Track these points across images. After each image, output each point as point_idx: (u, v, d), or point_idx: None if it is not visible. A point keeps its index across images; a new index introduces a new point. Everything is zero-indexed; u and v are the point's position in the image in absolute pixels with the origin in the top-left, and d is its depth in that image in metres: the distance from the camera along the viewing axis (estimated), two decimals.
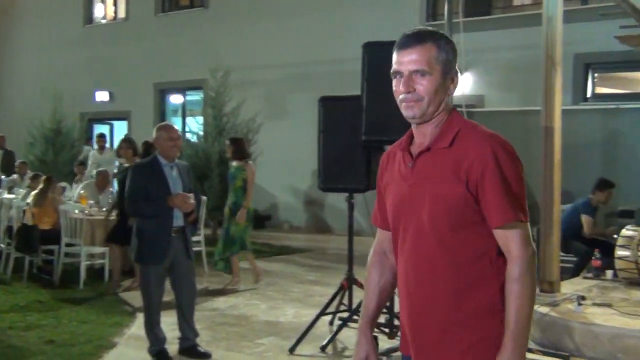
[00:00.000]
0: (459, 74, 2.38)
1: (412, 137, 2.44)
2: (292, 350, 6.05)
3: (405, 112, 2.34)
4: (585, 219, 8.70)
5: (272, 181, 14.67)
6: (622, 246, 7.48)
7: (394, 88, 2.34)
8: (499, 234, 2.26)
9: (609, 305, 6.48)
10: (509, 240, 2.25)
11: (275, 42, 14.67)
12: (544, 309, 6.27)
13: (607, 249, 7.97)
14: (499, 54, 11.99)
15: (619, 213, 9.12)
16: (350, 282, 6.51)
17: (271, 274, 9.63)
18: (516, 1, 12.43)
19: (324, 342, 6.12)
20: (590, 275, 7.89)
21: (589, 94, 11.38)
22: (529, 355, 5.72)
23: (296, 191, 13.31)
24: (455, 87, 2.37)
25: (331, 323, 6.79)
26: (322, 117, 6.47)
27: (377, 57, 6.06)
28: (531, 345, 5.95)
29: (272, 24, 14.83)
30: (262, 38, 14.90)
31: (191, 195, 5.79)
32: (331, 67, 13.75)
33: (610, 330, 5.82)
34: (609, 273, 7.80)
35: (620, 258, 7.46)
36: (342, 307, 6.72)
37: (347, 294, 6.61)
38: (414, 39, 2.32)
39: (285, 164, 14.06)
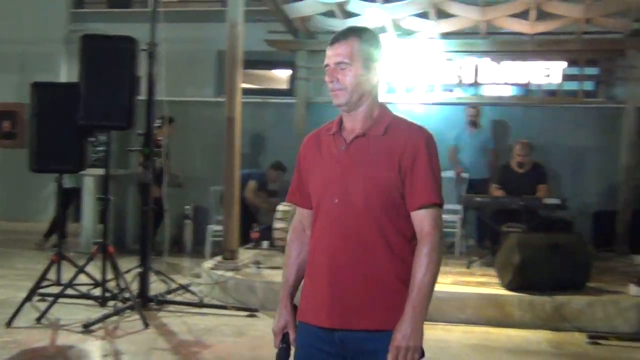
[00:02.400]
0: (381, 65, 2.60)
1: (340, 123, 2.65)
2: (9, 323, 6.44)
3: (334, 101, 2.58)
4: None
5: None
6: (279, 219, 9.14)
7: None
8: (417, 214, 2.51)
9: (279, 268, 8.00)
10: (424, 219, 2.50)
11: None
12: (229, 274, 7.58)
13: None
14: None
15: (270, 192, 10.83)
16: (60, 257, 7.12)
17: None
18: None
19: (39, 315, 6.59)
20: (250, 245, 9.43)
21: None
22: (219, 311, 7.03)
23: None
24: (379, 76, 2.61)
25: (29, 299, 7.20)
26: (35, 101, 6.94)
27: (94, 47, 6.82)
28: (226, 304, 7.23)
29: None
30: None
31: None
32: None
33: None
34: (265, 243, 9.44)
35: (278, 229, 9.10)
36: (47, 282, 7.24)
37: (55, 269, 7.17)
38: (339, 36, 2.57)
39: None
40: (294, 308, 2.72)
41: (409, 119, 2.66)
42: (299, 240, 2.77)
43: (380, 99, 2.67)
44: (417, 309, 2.45)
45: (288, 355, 2.70)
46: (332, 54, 2.57)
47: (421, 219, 2.51)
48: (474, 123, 10.16)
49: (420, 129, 2.59)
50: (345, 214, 2.54)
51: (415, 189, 2.50)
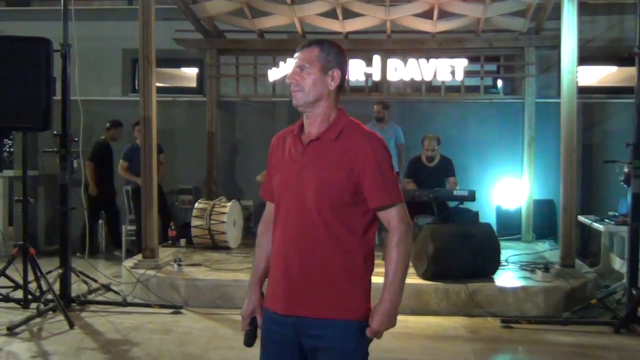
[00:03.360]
0: (339, 71, 2.80)
1: (302, 127, 2.87)
2: None
3: (293, 101, 2.81)
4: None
5: None
6: (196, 217, 9.21)
7: None
8: (381, 214, 2.75)
9: (200, 265, 8.13)
10: (389, 217, 2.74)
11: None
12: (151, 272, 7.62)
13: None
14: None
15: (178, 190, 10.88)
16: None
17: None
18: None
19: None
20: (168, 243, 9.47)
21: (137, 87, 12.65)
22: (143, 309, 7.09)
23: None
24: (336, 82, 2.80)
25: None
26: None
27: (7, 49, 6.75)
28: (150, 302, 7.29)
29: None
30: None
31: None
32: None
33: (209, 282, 7.44)
34: (182, 241, 9.50)
35: (195, 227, 9.17)
36: None
37: None
38: (304, 44, 2.83)
39: None
40: (262, 294, 2.95)
41: (363, 124, 2.85)
42: (269, 232, 2.94)
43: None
44: (394, 296, 2.71)
45: (255, 337, 2.93)
46: (295, 59, 2.81)
47: (386, 216, 2.75)
48: (380, 119, 10.41)
49: (371, 135, 2.79)
50: (298, 211, 2.75)
51: (370, 192, 2.72)
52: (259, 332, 2.94)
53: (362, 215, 2.76)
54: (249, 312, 2.95)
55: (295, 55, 2.83)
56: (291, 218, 2.78)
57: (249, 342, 2.94)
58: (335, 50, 2.82)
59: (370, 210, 2.76)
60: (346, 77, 2.87)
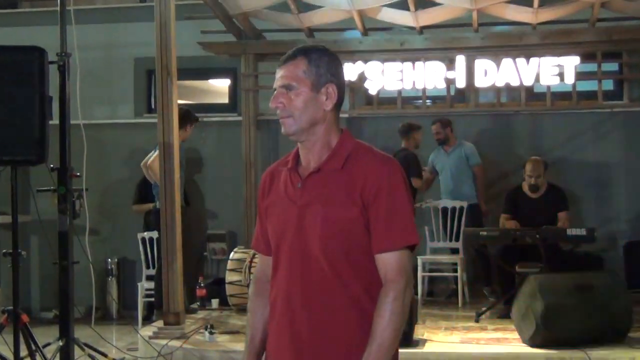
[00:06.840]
0: (335, 87, 2.88)
1: (298, 156, 2.94)
2: None
3: (283, 129, 2.89)
4: None
5: None
6: (232, 270, 9.23)
7: None
8: (380, 258, 2.79)
9: (238, 332, 8.13)
10: (388, 264, 2.78)
11: None
12: (175, 343, 7.64)
13: None
14: None
15: (209, 236, 10.96)
16: None
17: None
18: None
19: None
20: (196, 305, 9.50)
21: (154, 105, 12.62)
22: None
23: None
24: (332, 101, 2.87)
25: None
26: None
27: None
28: None
29: None
30: None
31: None
32: None
33: None
34: (215, 302, 9.53)
35: (231, 283, 9.19)
36: None
37: None
38: (286, 57, 2.88)
39: None
40: None
41: (374, 147, 2.93)
42: (264, 293, 3.03)
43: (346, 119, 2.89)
44: None
45: None
46: (278, 77, 2.89)
47: (385, 263, 2.79)
48: (442, 140, 10.36)
49: (384, 159, 2.88)
50: (303, 263, 2.84)
51: (378, 230, 2.78)
52: None
53: None
54: None
55: (278, 71, 2.90)
56: (294, 270, 2.85)
57: None
58: (327, 60, 2.89)
59: None
60: (344, 91, 2.95)
